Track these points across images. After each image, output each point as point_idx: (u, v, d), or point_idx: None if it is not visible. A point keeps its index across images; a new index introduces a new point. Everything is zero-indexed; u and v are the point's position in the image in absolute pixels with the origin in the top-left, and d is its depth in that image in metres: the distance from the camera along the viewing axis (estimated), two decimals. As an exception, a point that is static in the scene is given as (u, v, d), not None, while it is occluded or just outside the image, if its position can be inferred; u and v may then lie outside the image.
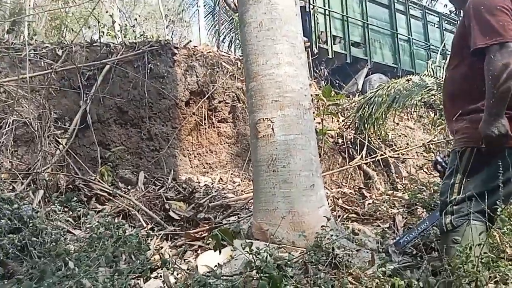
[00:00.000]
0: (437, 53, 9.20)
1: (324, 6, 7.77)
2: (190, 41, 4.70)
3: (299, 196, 2.30)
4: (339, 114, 5.54)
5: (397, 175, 5.53)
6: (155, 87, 4.13)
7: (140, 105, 4.09)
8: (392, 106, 4.56)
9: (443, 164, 2.01)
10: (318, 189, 2.38)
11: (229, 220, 2.97)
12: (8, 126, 3.13)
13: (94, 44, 4.24)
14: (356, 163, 4.49)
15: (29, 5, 13.08)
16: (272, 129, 2.35)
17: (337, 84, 7.24)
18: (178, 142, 4.25)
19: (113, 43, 4.34)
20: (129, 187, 3.65)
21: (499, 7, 1.57)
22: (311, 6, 7.54)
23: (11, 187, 2.98)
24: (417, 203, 3.33)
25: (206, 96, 4.39)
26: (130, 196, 3.40)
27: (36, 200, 2.85)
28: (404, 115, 6.25)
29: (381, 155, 4.67)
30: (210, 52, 4.68)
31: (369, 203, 3.53)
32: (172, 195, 3.54)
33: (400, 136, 6.06)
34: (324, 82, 7.08)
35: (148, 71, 4.12)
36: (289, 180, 2.30)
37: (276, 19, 2.44)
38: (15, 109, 3.25)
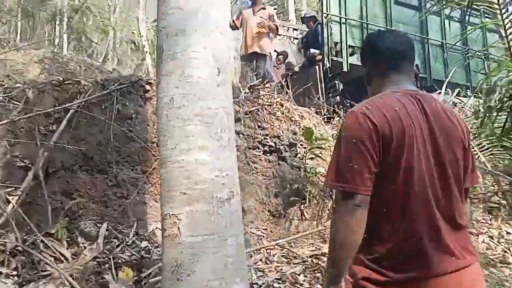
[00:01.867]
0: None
1: (340, 13, 7.14)
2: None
3: (204, 312, 1.95)
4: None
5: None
6: (122, 130, 3.90)
7: (107, 149, 3.89)
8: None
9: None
10: (233, 299, 2.02)
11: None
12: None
13: (66, 83, 4.09)
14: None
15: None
16: (178, 228, 2.01)
17: (349, 104, 6.64)
18: (149, 186, 4.01)
19: (86, 80, 4.17)
20: (85, 244, 3.47)
21: (355, 141, 1.24)
22: (324, 15, 6.96)
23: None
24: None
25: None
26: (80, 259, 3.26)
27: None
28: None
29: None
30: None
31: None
32: (126, 256, 3.32)
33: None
34: (336, 104, 6.52)
35: (116, 112, 3.90)
36: (193, 292, 1.96)
37: (188, 95, 2.08)
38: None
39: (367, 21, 7.32)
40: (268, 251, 3.82)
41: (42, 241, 3.33)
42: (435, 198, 1.22)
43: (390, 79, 1.41)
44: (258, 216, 4.30)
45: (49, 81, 4.08)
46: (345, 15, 7.10)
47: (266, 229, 4.16)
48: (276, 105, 4.69)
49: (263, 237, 4.06)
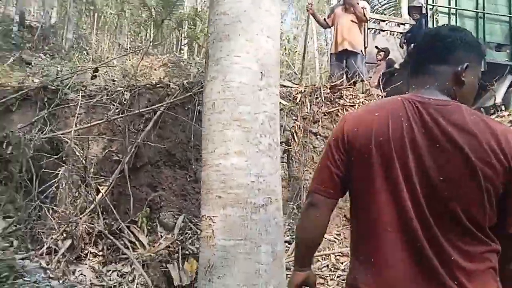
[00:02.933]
0: None
1: (449, 3, 6.40)
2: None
3: (230, 317, 1.96)
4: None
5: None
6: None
7: (188, 147, 4.15)
8: None
9: None
10: (262, 308, 1.99)
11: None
12: (60, 175, 3.60)
13: (157, 86, 4.49)
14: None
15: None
16: (212, 230, 2.05)
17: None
18: (225, 184, 4.17)
19: (174, 83, 4.51)
20: (162, 234, 3.78)
21: (327, 143, 1.25)
22: (430, 7, 6.32)
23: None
24: None
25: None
26: (162, 243, 3.58)
27: (62, 251, 3.22)
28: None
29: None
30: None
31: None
32: (194, 248, 3.52)
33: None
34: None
35: (197, 113, 4.14)
36: (222, 295, 1.98)
37: (229, 100, 2.10)
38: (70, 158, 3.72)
39: (483, 10, 6.42)
40: (337, 257, 3.66)
41: (127, 227, 3.74)
42: (418, 222, 1.01)
43: (413, 84, 1.22)
44: (333, 220, 4.13)
45: (144, 85, 4.52)
46: (456, 5, 6.34)
47: (339, 234, 3.98)
48: (360, 105, 4.43)
49: (335, 242, 3.90)
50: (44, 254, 3.26)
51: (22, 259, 3.01)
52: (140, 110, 4.02)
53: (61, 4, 17.37)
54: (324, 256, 3.76)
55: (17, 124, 4.23)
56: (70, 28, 15.11)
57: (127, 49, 14.88)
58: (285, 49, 14.74)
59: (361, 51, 5.70)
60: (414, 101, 1.10)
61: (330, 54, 6.00)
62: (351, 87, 4.63)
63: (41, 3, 17.74)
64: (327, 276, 3.25)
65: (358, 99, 4.47)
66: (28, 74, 9.02)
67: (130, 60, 10.87)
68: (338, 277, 3.22)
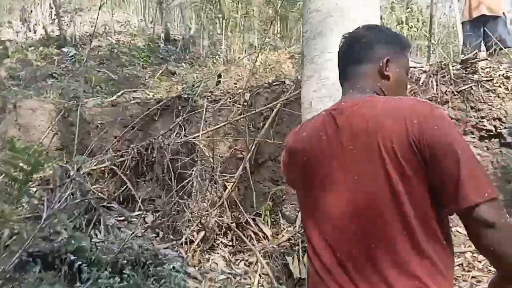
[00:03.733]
0: None
1: None
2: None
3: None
4: None
5: None
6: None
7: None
8: None
9: None
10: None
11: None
12: (194, 174, 4.05)
13: (274, 84, 4.65)
14: None
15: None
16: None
17: None
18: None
19: (289, 79, 4.61)
20: (285, 226, 3.93)
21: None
22: None
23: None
24: None
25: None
26: (283, 235, 3.75)
27: (197, 241, 3.64)
28: None
29: None
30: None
31: None
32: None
33: None
34: None
35: (312, 106, 4.15)
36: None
37: (324, 97, 2.07)
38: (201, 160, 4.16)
39: None
40: (475, 255, 3.27)
41: (253, 219, 4.01)
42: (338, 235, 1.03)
43: (342, 92, 1.25)
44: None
45: (261, 84, 4.73)
46: None
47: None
48: (499, 78, 3.80)
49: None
50: (183, 244, 3.73)
51: (165, 248, 3.51)
52: (258, 110, 4.23)
53: (198, 15, 19.15)
54: (458, 254, 3.40)
55: (159, 131, 4.90)
56: (206, 36, 16.57)
57: (255, 46, 15.61)
58: (417, 20, 13.45)
59: (503, 13, 4.88)
60: (331, 111, 1.12)
61: (463, 22, 5.30)
62: (487, 59, 4.01)
63: (182, 18, 19.95)
64: (459, 276, 2.94)
65: (497, 71, 3.84)
66: (173, 83, 10.25)
67: (258, 57, 11.42)
68: (472, 277, 2.88)
